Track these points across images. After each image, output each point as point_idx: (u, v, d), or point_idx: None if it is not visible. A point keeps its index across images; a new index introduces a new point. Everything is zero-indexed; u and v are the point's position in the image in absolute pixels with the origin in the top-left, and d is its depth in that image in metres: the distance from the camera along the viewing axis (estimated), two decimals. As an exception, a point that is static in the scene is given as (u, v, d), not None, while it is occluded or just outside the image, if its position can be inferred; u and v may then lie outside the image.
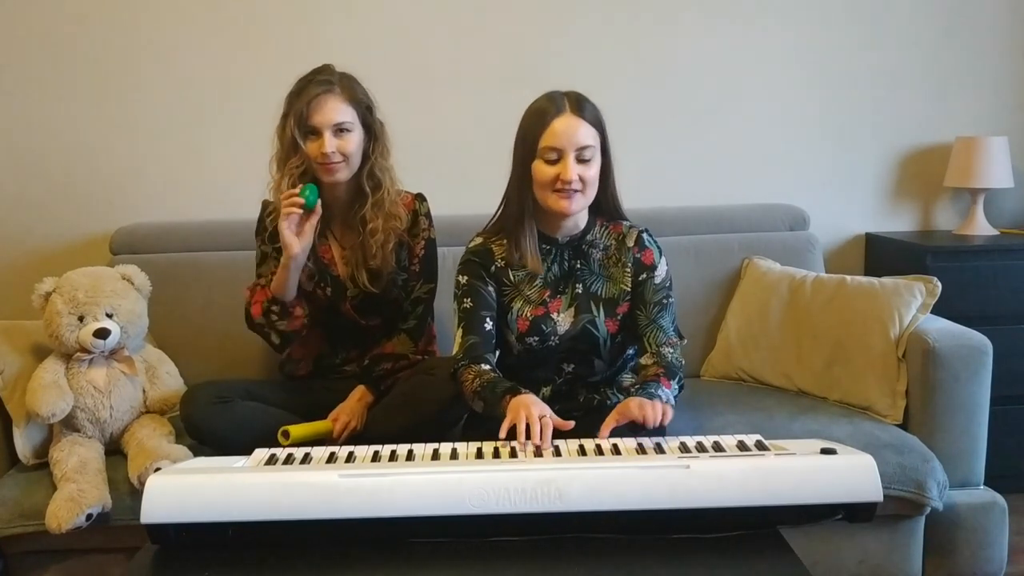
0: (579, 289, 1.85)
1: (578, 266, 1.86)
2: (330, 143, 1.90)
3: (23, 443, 1.95)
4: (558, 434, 1.55)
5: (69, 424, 1.95)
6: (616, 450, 1.51)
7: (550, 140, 1.73)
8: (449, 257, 2.28)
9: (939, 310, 2.19)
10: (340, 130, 1.92)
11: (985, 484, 2.12)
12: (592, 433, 1.57)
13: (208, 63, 2.61)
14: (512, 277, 1.86)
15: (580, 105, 1.75)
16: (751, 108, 2.78)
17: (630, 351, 1.93)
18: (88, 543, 1.88)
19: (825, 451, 1.41)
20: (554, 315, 1.84)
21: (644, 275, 1.85)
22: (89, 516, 1.77)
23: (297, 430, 1.85)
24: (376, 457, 1.52)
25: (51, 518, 1.75)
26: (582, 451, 1.51)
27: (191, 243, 2.49)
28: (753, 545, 1.32)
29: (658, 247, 1.89)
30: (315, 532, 1.34)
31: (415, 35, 2.66)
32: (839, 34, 2.77)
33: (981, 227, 2.75)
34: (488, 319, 1.83)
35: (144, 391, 2.05)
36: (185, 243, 2.49)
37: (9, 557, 1.91)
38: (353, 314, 2.06)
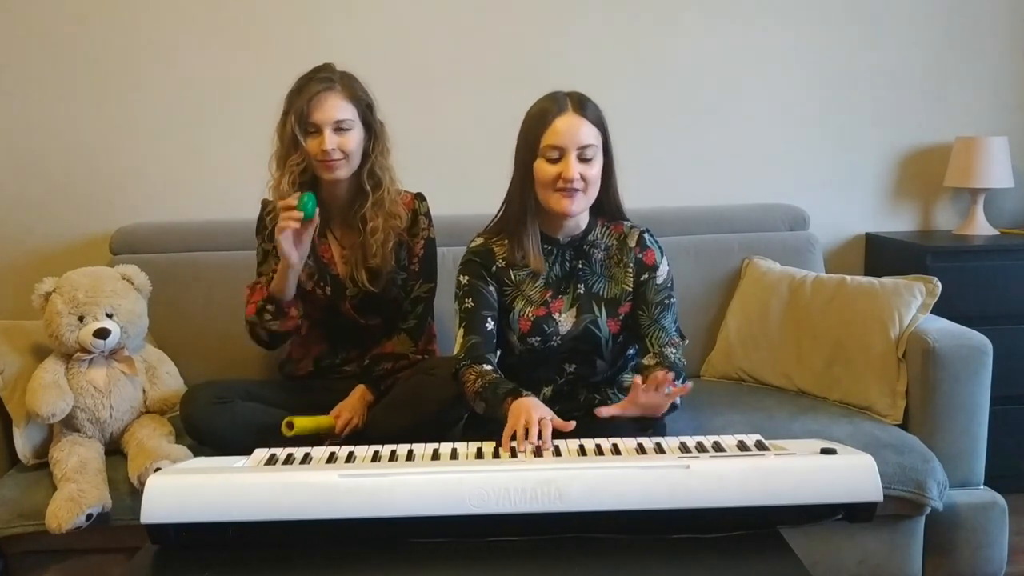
0: (581, 289, 1.85)
1: (580, 266, 1.86)
2: (330, 140, 1.90)
3: (23, 443, 1.95)
4: (558, 434, 1.54)
5: (69, 424, 1.95)
6: (616, 450, 1.51)
7: (552, 139, 1.73)
8: (449, 257, 2.28)
9: (939, 310, 2.19)
10: (340, 127, 1.92)
11: (985, 484, 2.12)
12: (593, 433, 1.57)
13: (208, 63, 2.61)
14: (513, 277, 1.86)
15: (582, 104, 1.75)
16: (751, 108, 2.78)
17: (631, 351, 1.93)
18: (88, 543, 1.87)
19: (825, 451, 1.41)
20: (556, 315, 1.84)
21: (646, 275, 1.85)
22: (89, 516, 1.77)
23: (302, 421, 1.85)
24: (376, 457, 1.51)
25: (51, 518, 1.75)
26: (582, 451, 1.51)
27: (191, 243, 2.49)
28: (753, 545, 1.32)
29: (659, 247, 1.89)
30: (315, 532, 1.34)
31: (415, 35, 2.66)
32: (839, 34, 2.77)
33: (981, 227, 2.75)
34: (489, 319, 1.83)
35: (144, 391, 2.05)
36: (185, 243, 2.49)
37: (9, 557, 1.91)
38: (353, 314, 2.06)
